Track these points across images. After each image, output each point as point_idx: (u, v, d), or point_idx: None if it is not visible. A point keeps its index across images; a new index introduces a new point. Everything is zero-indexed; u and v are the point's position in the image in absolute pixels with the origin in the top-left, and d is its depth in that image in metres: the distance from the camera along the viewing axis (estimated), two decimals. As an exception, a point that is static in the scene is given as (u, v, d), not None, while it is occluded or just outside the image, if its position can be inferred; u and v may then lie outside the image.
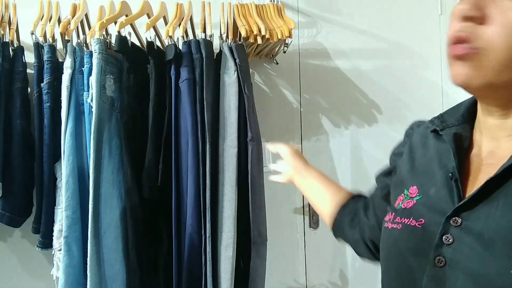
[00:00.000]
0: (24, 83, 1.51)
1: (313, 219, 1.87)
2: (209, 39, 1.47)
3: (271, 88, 1.84)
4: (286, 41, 1.59)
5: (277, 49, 1.70)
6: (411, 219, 0.60)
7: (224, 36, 1.52)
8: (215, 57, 1.49)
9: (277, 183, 1.13)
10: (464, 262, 0.51)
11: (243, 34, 1.46)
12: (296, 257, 1.85)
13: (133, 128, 1.38)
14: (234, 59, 1.45)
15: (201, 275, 1.36)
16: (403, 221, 0.61)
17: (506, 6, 0.51)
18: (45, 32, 1.47)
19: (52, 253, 1.47)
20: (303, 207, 1.88)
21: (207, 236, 1.36)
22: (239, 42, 1.50)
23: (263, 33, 1.46)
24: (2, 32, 1.48)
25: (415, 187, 0.63)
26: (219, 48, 1.51)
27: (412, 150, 0.71)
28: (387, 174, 0.80)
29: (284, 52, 1.71)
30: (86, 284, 1.32)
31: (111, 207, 1.36)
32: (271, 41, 1.50)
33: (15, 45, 1.53)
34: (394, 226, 0.62)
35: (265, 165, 1.47)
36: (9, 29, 1.52)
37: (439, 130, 0.65)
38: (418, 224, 0.58)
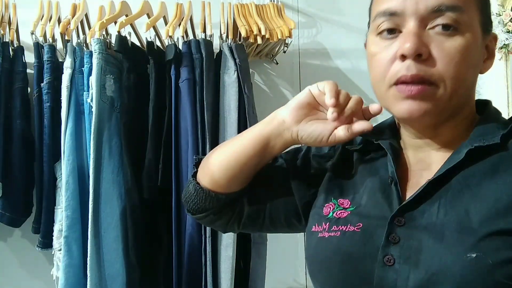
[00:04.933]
0: (24, 83, 1.51)
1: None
2: (209, 39, 1.47)
3: (271, 88, 1.84)
4: (286, 41, 1.59)
5: (277, 49, 1.69)
6: (349, 226, 0.61)
7: (224, 36, 1.52)
8: (215, 57, 1.49)
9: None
10: (415, 257, 0.53)
11: (243, 34, 1.46)
12: (296, 257, 1.84)
13: (133, 128, 1.38)
14: (234, 59, 1.45)
15: (201, 275, 1.36)
16: (340, 229, 0.61)
17: (441, 40, 0.55)
18: (45, 32, 1.47)
19: (52, 253, 1.46)
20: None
21: (207, 236, 1.36)
22: (239, 42, 1.49)
23: (263, 33, 1.46)
24: (2, 32, 1.49)
25: (346, 200, 0.65)
26: (219, 48, 1.51)
27: (340, 163, 0.71)
28: (305, 171, 0.75)
29: (284, 52, 1.71)
30: (86, 284, 1.32)
31: (111, 207, 1.36)
32: (271, 41, 1.50)
33: (15, 45, 1.53)
34: (332, 234, 0.62)
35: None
36: (9, 29, 1.52)
37: (374, 140, 0.67)
38: (356, 228, 0.60)
